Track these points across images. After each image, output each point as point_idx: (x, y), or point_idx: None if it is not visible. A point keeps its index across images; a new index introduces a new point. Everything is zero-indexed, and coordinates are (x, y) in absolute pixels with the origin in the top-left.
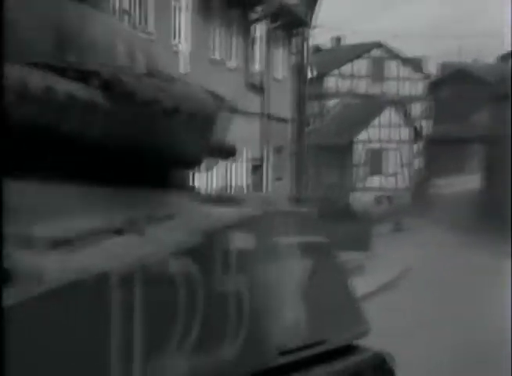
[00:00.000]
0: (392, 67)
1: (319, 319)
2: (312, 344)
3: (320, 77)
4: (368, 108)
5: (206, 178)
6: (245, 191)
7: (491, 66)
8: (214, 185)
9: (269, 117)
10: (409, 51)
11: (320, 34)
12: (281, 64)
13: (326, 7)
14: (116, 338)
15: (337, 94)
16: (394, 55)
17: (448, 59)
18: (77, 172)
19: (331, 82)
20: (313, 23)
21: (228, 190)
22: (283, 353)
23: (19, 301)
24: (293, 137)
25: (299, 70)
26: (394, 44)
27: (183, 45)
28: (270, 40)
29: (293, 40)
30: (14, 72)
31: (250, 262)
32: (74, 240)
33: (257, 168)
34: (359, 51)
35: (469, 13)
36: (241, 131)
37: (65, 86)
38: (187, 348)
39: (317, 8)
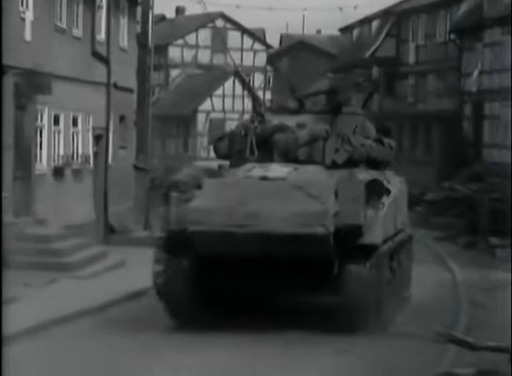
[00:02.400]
0: (235, 38)
1: None
2: None
3: (164, 47)
4: (211, 78)
5: (52, 147)
6: (90, 159)
7: (332, 38)
8: (61, 153)
9: (114, 86)
10: (251, 22)
11: (164, 4)
12: (126, 33)
13: None
14: None
15: (181, 64)
16: (237, 26)
17: (291, 31)
18: None
19: (175, 52)
20: None
21: (74, 159)
22: None
23: None
24: (137, 106)
25: (143, 40)
26: (237, 15)
27: (28, 12)
28: (111, 8)
29: (138, 9)
30: None
31: None
32: None
33: (101, 137)
34: (203, 21)
35: None
36: (85, 100)
37: None
38: None
39: None
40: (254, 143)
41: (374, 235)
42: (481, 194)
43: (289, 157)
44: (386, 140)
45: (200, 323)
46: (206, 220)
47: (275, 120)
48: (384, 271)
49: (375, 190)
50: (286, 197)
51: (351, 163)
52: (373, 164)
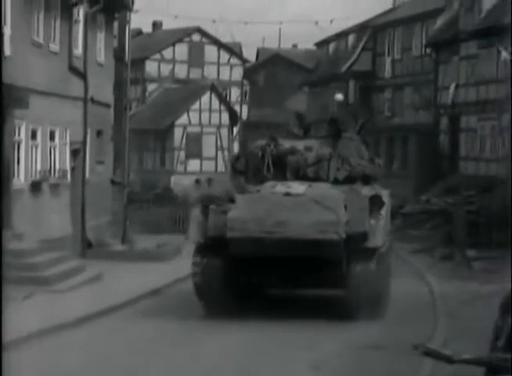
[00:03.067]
0: (212, 52)
1: None
2: None
3: (141, 61)
4: (188, 92)
5: (29, 161)
6: (68, 174)
7: (308, 52)
8: (38, 167)
9: (92, 100)
10: (228, 36)
11: (141, 18)
12: (103, 48)
13: None
14: None
15: (158, 78)
16: (213, 40)
17: (267, 45)
18: None
19: (152, 66)
20: (134, 6)
21: (51, 173)
22: None
23: None
24: (114, 121)
25: (120, 54)
26: (214, 29)
27: (5, 27)
28: (88, 23)
29: (115, 23)
30: None
31: None
32: None
33: (78, 152)
34: (180, 36)
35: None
36: (63, 115)
37: None
38: None
39: None
40: (271, 163)
41: (376, 240)
42: (458, 207)
43: (299, 175)
44: (376, 160)
45: (231, 314)
46: (242, 228)
47: (286, 144)
48: (381, 268)
49: (376, 203)
50: (305, 209)
51: (350, 179)
52: (367, 180)
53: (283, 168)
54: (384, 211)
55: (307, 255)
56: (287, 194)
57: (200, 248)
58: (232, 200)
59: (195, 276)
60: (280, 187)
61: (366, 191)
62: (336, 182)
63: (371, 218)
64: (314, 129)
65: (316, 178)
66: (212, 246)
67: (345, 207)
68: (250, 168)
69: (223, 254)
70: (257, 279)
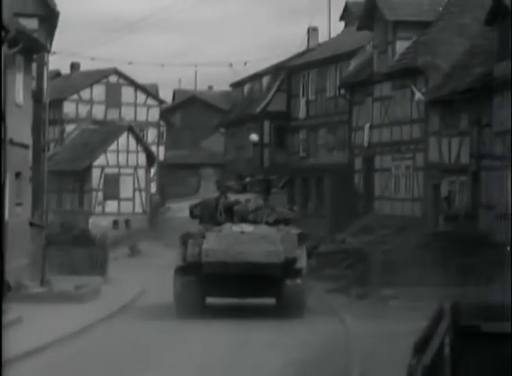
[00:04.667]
0: (129, 93)
1: None
2: None
3: (59, 102)
4: (105, 133)
5: None
6: None
7: (224, 94)
8: None
9: (10, 142)
10: (144, 77)
11: (59, 60)
12: (22, 89)
13: (65, 33)
14: None
15: (75, 119)
16: (130, 81)
17: (183, 86)
18: None
19: (70, 107)
20: (52, 48)
21: None
22: None
23: None
24: (33, 162)
25: (39, 95)
26: (130, 71)
27: None
28: (7, 64)
29: (33, 65)
30: None
31: None
32: None
33: None
34: (97, 77)
35: (203, 42)
36: None
37: None
38: None
39: (56, 34)
40: (223, 210)
41: (301, 263)
42: (373, 246)
43: (243, 219)
44: (294, 207)
45: (200, 317)
46: (213, 255)
47: (232, 197)
48: (304, 282)
49: (301, 238)
50: (255, 242)
51: (277, 222)
52: (287, 222)
53: (231, 214)
54: (305, 244)
55: (257, 274)
56: (242, 232)
57: (179, 270)
58: (203, 237)
59: (175, 288)
60: (235, 227)
61: (293, 230)
62: (267, 223)
63: (298, 249)
64: (249, 186)
65: (255, 221)
66: (189, 268)
67: (281, 240)
68: (205, 214)
69: (197, 274)
70: (221, 291)
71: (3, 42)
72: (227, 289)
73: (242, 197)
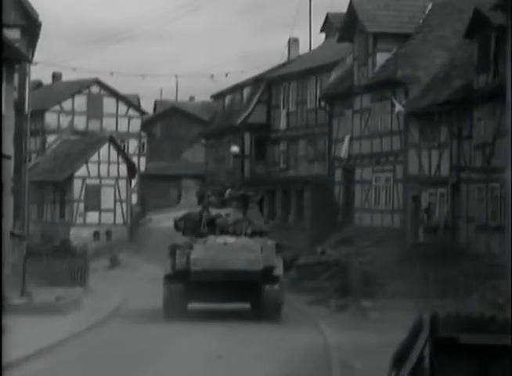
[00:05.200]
0: (110, 104)
1: None
2: None
3: (41, 113)
4: (87, 144)
5: None
6: None
7: (205, 105)
8: None
9: None
10: (125, 88)
11: (41, 70)
12: (4, 100)
13: (46, 43)
14: None
15: (57, 130)
16: (111, 92)
17: (164, 97)
18: None
19: (52, 118)
20: (34, 58)
21: None
22: None
23: None
24: (14, 173)
25: (20, 106)
26: (112, 81)
27: None
28: None
29: (15, 75)
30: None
31: None
32: None
33: None
34: (78, 87)
35: (184, 53)
36: None
37: None
38: None
39: (37, 44)
40: (205, 224)
41: (279, 270)
42: (352, 258)
43: (223, 231)
44: (270, 221)
45: (186, 319)
46: (200, 264)
47: (214, 211)
48: (281, 288)
49: (278, 248)
50: (238, 252)
51: (253, 234)
52: (262, 234)
53: (213, 227)
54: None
55: (240, 280)
56: (225, 243)
57: (167, 277)
58: (191, 247)
59: (164, 294)
60: (219, 239)
61: (269, 241)
62: (246, 235)
63: (275, 258)
64: (228, 201)
65: (234, 233)
66: (177, 276)
67: (261, 250)
68: (188, 227)
69: (185, 281)
70: (206, 297)
71: None
72: (212, 295)
73: (222, 212)
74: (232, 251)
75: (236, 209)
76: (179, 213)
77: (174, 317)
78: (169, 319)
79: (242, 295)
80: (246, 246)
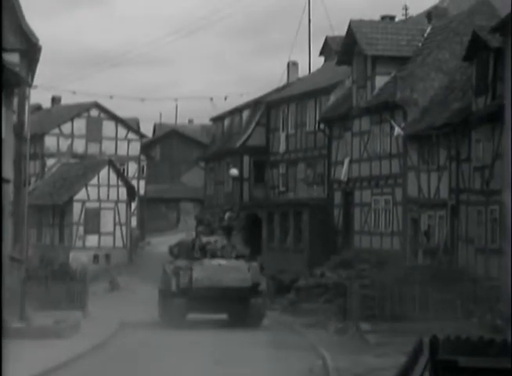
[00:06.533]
0: (109, 127)
1: None
2: None
3: (40, 136)
4: (86, 167)
5: None
6: None
7: (204, 128)
8: None
9: None
10: (125, 112)
11: (40, 93)
12: (4, 123)
13: (46, 67)
14: None
15: (56, 153)
16: (111, 115)
17: (164, 120)
18: None
19: (51, 141)
20: (33, 82)
21: None
22: None
23: None
24: (13, 196)
25: (20, 129)
26: (111, 105)
27: None
28: None
29: (14, 99)
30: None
31: None
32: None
33: None
34: (78, 111)
35: (183, 77)
36: None
37: None
38: None
39: (37, 68)
40: (198, 249)
41: (262, 286)
42: (352, 281)
43: (213, 255)
44: (247, 247)
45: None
46: (201, 282)
47: (204, 238)
48: (264, 300)
49: (262, 268)
50: (230, 272)
51: (238, 257)
52: (244, 257)
53: (204, 251)
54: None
55: (232, 295)
56: (219, 265)
57: (171, 293)
58: (191, 268)
59: (169, 308)
60: (213, 261)
61: (254, 263)
62: (231, 258)
63: (260, 276)
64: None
65: (222, 257)
66: (181, 292)
67: (248, 270)
68: (182, 252)
69: (186, 296)
70: (204, 308)
71: None
72: (208, 307)
73: (211, 239)
74: (225, 271)
75: (221, 236)
76: (177, 236)
77: (175, 326)
78: (171, 327)
79: (232, 307)
80: (236, 267)
